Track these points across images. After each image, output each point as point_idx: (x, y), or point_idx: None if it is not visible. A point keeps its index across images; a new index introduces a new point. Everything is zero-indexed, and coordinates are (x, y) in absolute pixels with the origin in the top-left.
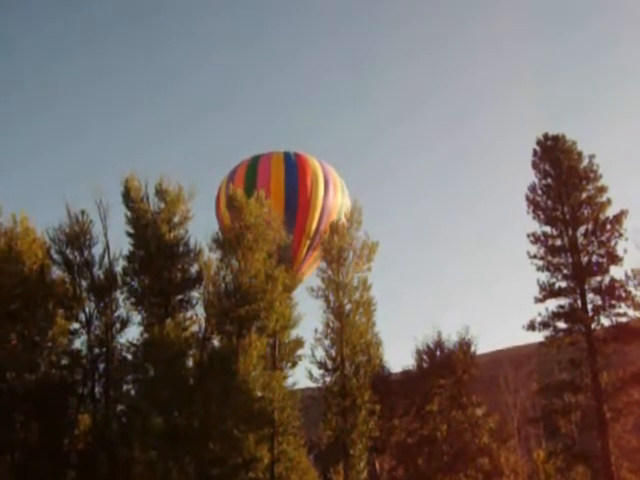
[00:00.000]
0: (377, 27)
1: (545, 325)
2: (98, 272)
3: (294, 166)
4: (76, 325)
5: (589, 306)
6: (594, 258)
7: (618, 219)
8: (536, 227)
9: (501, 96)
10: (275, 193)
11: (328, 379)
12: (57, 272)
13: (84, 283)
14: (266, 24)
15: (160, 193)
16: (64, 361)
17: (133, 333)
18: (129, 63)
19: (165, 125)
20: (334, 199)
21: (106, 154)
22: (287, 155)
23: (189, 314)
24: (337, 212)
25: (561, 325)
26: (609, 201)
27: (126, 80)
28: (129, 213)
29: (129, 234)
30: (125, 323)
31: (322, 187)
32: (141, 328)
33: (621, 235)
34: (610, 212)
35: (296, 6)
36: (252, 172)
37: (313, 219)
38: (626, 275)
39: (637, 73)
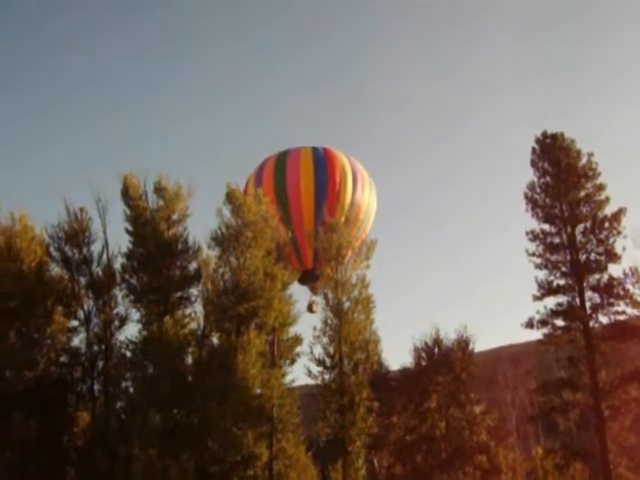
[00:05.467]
0: (378, 25)
1: (543, 323)
2: (97, 269)
3: (323, 161)
4: (75, 322)
5: (587, 304)
6: (592, 256)
7: (616, 217)
8: (535, 225)
9: (500, 94)
10: (305, 190)
11: (326, 376)
12: (56, 269)
13: (83, 280)
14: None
15: (159, 191)
16: (63, 358)
17: (132, 330)
18: (130, 59)
19: (162, 124)
20: (362, 195)
21: (106, 151)
22: (315, 150)
23: (188, 311)
24: (365, 207)
25: (559, 323)
26: (607, 199)
27: (126, 76)
28: (128, 210)
29: (128, 231)
30: (124, 320)
31: (351, 183)
32: (140, 325)
33: (619, 233)
34: (608, 210)
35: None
36: (281, 168)
37: (341, 216)
38: (624, 273)
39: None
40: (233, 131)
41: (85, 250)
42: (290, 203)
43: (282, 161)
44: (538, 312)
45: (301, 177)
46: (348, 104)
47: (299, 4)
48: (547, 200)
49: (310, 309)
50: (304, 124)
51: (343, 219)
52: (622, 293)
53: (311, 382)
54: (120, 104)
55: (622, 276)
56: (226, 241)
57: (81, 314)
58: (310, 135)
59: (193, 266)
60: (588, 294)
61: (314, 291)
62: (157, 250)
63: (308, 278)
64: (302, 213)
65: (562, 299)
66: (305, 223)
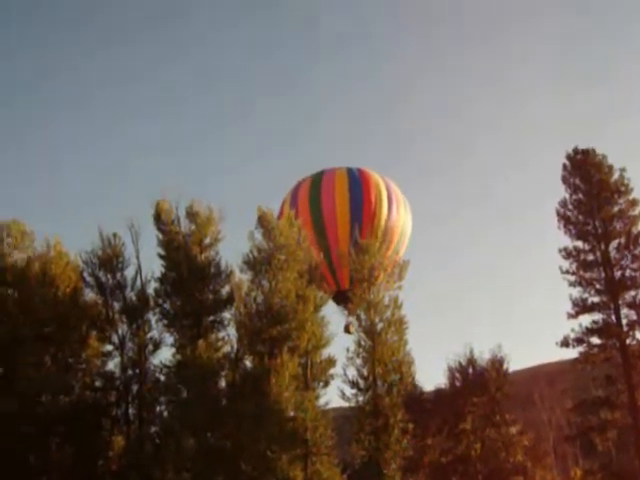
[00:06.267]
0: (391, 42)
1: (579, 341)
2: (130, 294)
3: (358, 182)
4: (109, 347)
5: (624, 321)
6: (627, 272)
7: None
8: (568, 242)
9: (529, 107)
10: (341, 211)
11: (360, 398)
12: (90, 295)
13: (117, 305)
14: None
15: (191, 215)
16: (98, 383)
17: (166, 354)
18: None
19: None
20: (397, 215)
21: (139, 174)
22: (350, 171)
23: (221, 335)
24: (400, 228)
25: (595, 341)
26: None
27: (145, 84)
28: (160, 235)
29: (160, 256)
30: (158, 345)
31: (386, 204)
32: (173, 349)
33: None
34: None
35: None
36: (316, 189)
37: (376, 237)
38: None
39: None
40: (260, 145)
41: (119, 275)
42: (326, 224)
43: (317, 182)
44: (573, 330)
45: (336, 198)
46: (374, 120)
47: (319, 21)
48: (580, 217)
49: (347, 330)
50: (331, 138)
51: (378, 241)
52: None
53: (345, 404)
54: (145, 113)
55: None
56: (258, 264)
57: (115, 338)
58: (340, 150)
59: (226, 290)
60: (624, 311)
61: (350, 312)
62: (190, 274)
63: (344, 299)
64: (338, 234)
65: (597, 317)
66: (340, 244)
